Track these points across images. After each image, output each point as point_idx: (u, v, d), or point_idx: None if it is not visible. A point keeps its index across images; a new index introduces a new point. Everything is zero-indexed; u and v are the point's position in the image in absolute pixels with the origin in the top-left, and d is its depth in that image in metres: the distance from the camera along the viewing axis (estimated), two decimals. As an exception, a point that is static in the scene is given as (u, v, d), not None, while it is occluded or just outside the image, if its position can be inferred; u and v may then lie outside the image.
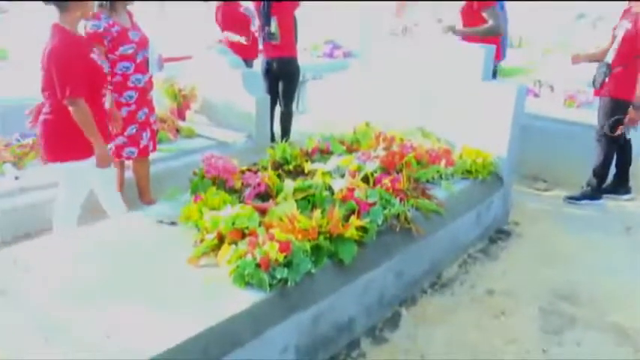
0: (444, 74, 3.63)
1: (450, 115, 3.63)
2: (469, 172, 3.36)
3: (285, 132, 5.27)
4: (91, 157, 2.76)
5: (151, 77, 3.50)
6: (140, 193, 3.67)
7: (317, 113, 6.45)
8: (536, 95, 5.35)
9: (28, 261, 2.19)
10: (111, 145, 3.43)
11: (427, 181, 3.17)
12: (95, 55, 2.79)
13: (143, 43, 3.41)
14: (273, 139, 5.19)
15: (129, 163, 3.64)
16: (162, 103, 4.73)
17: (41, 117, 2.74)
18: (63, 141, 2.72)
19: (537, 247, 3.44)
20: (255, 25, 5.26)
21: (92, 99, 2.73)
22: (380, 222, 2.52)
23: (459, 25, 4.19)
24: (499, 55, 4.33)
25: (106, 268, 2.18)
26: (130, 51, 3.32)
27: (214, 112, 4.85)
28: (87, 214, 2.91)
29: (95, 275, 2.12)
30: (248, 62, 5.37)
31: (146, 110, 3.48)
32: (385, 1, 8.99)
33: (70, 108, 2.62)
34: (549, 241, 3.51)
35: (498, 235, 3.59)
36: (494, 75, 4.06)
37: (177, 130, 4.43)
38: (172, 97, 4.85)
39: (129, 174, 3.66)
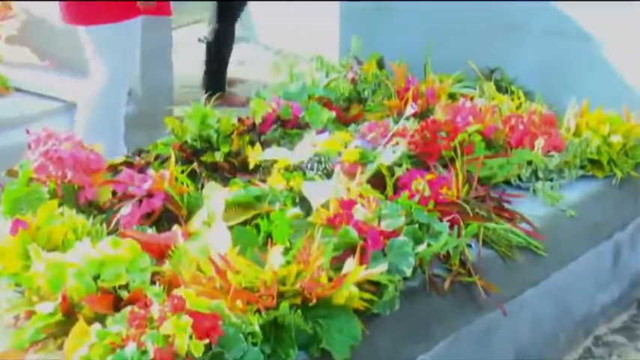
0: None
1: (547, 45, 3.71)
2: (595, 163, 3.43)
3: (214, 80, 5.35)
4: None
5: None
6: None
7: (272, 40, 6.51)
8: None
9: None
10: None
11: (507, 184, 3.23)
12: None
13: None
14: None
15: None
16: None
17: None
18: None
19: None
20: None
21: None
22: (409, 272, 2.55)
23: None
24: None
25: None
26: None
27: (50, 40, 4.87)
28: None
29: None
30: None
31: None
32: None
33: None
34: None
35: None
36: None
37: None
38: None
39: None
